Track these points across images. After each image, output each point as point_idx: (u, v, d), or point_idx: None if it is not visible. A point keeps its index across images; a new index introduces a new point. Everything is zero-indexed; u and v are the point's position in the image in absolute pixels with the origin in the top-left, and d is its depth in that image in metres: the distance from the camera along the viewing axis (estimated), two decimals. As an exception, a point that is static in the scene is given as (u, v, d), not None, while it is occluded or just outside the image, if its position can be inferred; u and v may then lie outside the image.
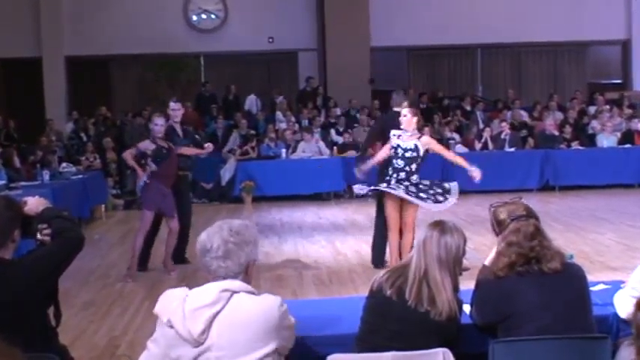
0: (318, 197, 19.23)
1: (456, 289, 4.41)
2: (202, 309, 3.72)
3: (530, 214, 4.60)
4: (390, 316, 4.31)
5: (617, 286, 4.95)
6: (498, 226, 4.65)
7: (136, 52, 23.59)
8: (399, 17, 23.95)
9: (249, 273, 3.97)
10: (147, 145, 10.94)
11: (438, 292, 4.30)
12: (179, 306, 3.76)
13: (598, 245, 12.12)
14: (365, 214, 16.59)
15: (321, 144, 20.13)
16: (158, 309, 3.85)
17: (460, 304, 4.42)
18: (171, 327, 3.75)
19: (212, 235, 3.89)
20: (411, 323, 4.28)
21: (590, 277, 5.57)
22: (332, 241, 13.43)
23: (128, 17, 23.58)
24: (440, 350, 4.13)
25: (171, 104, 11.71)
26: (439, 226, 4.50)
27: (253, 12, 24.07)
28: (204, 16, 24.40)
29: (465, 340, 4.49)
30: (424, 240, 4.44)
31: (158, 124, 10.92)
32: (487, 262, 4.74)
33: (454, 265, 4.41)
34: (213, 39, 24.18)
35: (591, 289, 5.21)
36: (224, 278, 3.86)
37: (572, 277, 4.48)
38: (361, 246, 12.57)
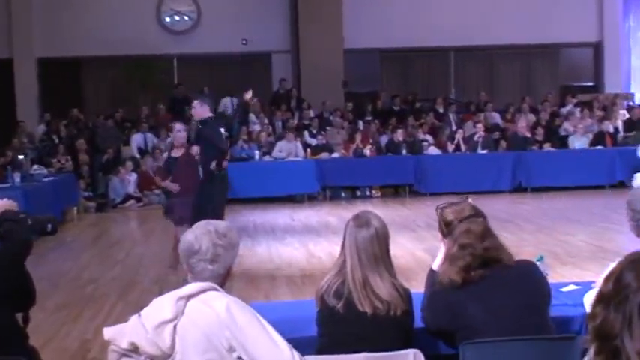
0: (291, 199, 19.24)
1: (393, 275, 4.38)
2: (165, 324, 3.70)
3: (477, 214, 4.52)
4: (345, 323, 4.29)
5: (587, 286, 4.97)
6: (446, 227, 4.51)
7: (109, 53, 23.43)
8: (373, 20, 23.97)
9: (230, 273, 4.00)
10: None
11: (382, 292, 4.27)
12: (137, 326, 3.73)
13: (569, 246, 12.18)
14: (338, 216, 16.61)
15: (299, 145, 20.17)
16: (112, 336, 3.77)
17: (407, 292, 4.40)
18: (134, 350, 3.71)
19: (200, 237, 3.88)
20: (368, 327, 4.26)
21: (560, 278, 5.59)
22: (305, 244, 13.44)
23: (100, 18, 23.44)
24: (411, 351, 4.13)
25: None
26: (356, 221, 4.43)
27: (226, 14, 24.00)
28: (177, 17, 24.32)
29: (436, 341, 4.51)
30: (348, 239, 4.39)
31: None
32: (435, 267, 4.70)
33: (384, 254, 4.38)
34: (186, 40, 24.11)
35: (561, 289, 5.24)
36: (206, 280, 3.85)
37: (527, 277, 4.43)
38: (334, 248, 12.54)
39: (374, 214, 4.51)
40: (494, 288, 4.31)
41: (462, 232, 4.40)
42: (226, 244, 3.90)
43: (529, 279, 4.44)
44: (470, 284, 4.31)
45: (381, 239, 4.40)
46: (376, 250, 4.35)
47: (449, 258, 4.41)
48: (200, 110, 11.01)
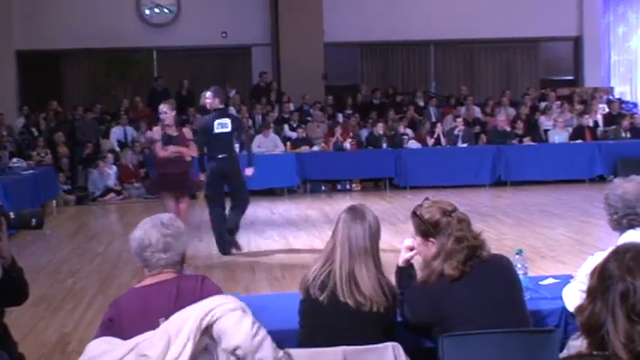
0: (271, 192, 19.20)
1: (381, 272, 4.40)
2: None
3: (455, 207, 4.53)
4: (327, 316, 4.30)
5: (566, 280, 4.98)
6: (435, 227, 4.44)
7: (88, 46, 23.33)
8: (353, 13, 23.98)
9: (185, 261, 4.18)
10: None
11: (366, 287, 4.29)
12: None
13: (548, 240, 12.22)
14: (318, 209, 16.62)
15: (277, 138, 20.13)
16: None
17: (392, 288, 4.42)
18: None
19: (149, 231, 4.05)
20: (350, 320, 4.28)
21: (540, 272, 5.60)
22: (285, 237, 13.44)
23: (80, 11, 23.33)
24: (390, 344, 4.13)
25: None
26: (350, 213, 4.47)
27: (206, 7, 23.96)
28: (156, 10, 24.24)
29: (415, 334, 4.51)
30: (341, 230, 4.41)
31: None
32: (400, 263, 4.69)
33: (374, 249, 4.40)
34: (166, 33, 24.04)
35: (540, 282, 5.26)
36: (164, 268, 4.02)
37: (504, 270, 4.45)
38: (314, 241, 12.58)
39: (368, 208, 4.54)
40: (476, 281, 4.33)
41: (456, 224, 4.40)
42: (174, 232, 4.07)
43: (506, 272, 4.46)
44: (461, 277, 4.32)
45: (373, 234, 4.42)
46: (367, 244, 4.37)
47: (446, 254, 4.36)
48: (211, 101, 12.11)
